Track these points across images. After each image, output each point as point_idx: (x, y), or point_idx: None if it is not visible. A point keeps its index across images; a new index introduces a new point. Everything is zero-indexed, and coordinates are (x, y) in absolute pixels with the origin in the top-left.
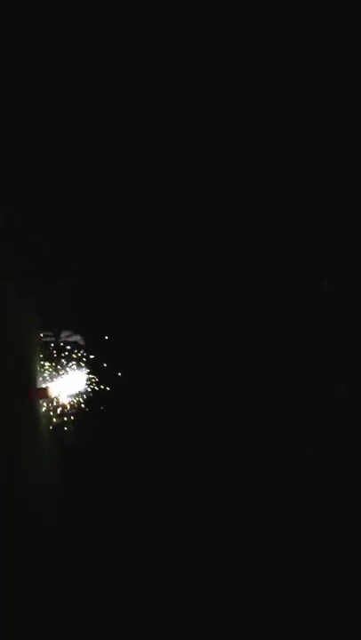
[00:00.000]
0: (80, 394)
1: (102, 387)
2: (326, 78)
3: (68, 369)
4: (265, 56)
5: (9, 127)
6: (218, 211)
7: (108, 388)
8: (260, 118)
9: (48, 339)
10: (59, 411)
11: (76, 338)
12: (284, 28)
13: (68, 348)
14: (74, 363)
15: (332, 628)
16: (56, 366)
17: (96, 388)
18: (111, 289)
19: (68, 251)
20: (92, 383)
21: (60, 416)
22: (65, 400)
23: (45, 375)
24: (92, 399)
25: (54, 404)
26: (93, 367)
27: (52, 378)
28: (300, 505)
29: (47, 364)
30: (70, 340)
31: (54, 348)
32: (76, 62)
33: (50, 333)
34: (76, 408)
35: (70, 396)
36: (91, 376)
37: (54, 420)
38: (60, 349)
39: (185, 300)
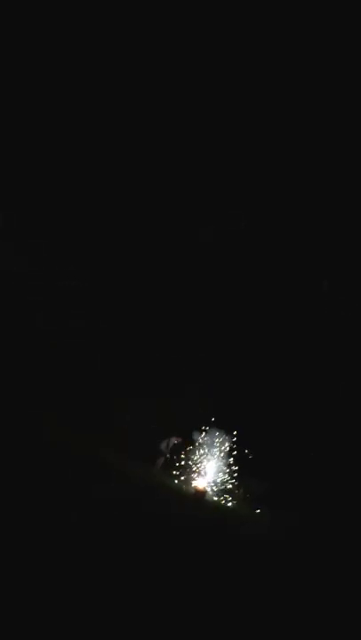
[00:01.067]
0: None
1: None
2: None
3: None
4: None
5: (9, 128)
6: (217, 211)
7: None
8: (259, 120)
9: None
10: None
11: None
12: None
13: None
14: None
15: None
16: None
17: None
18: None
19: (68, 251)
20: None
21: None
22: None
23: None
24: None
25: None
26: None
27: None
28: (299, 505)
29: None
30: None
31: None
32: (76, 64)
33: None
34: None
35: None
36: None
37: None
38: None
39: (185, 300)
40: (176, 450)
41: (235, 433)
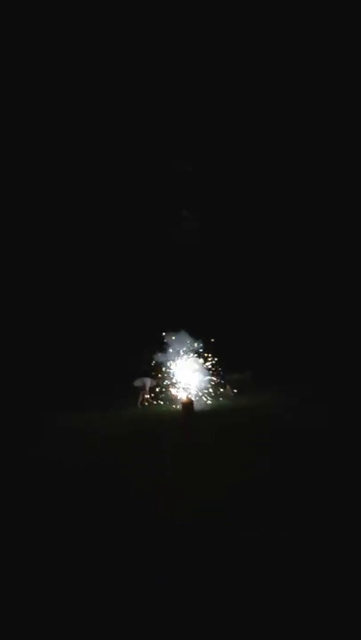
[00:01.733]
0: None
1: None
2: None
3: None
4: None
5: (10, 129)
6: (217, 211)
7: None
8: (260, 122)
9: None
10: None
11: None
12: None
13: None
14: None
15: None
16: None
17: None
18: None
19: (67, 250)
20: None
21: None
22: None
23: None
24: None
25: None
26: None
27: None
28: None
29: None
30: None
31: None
32: (76, 65)
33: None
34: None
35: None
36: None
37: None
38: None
39: (184, 299)
40: (153, 387)
41: (202, 346)
